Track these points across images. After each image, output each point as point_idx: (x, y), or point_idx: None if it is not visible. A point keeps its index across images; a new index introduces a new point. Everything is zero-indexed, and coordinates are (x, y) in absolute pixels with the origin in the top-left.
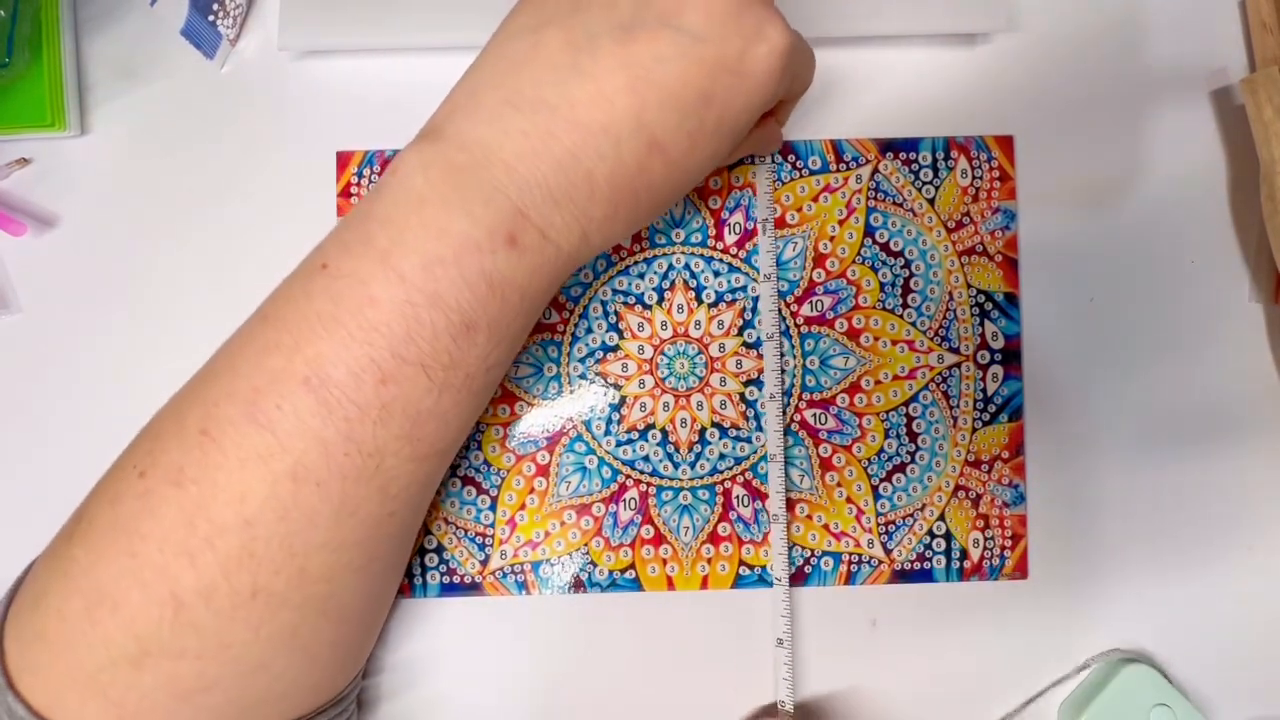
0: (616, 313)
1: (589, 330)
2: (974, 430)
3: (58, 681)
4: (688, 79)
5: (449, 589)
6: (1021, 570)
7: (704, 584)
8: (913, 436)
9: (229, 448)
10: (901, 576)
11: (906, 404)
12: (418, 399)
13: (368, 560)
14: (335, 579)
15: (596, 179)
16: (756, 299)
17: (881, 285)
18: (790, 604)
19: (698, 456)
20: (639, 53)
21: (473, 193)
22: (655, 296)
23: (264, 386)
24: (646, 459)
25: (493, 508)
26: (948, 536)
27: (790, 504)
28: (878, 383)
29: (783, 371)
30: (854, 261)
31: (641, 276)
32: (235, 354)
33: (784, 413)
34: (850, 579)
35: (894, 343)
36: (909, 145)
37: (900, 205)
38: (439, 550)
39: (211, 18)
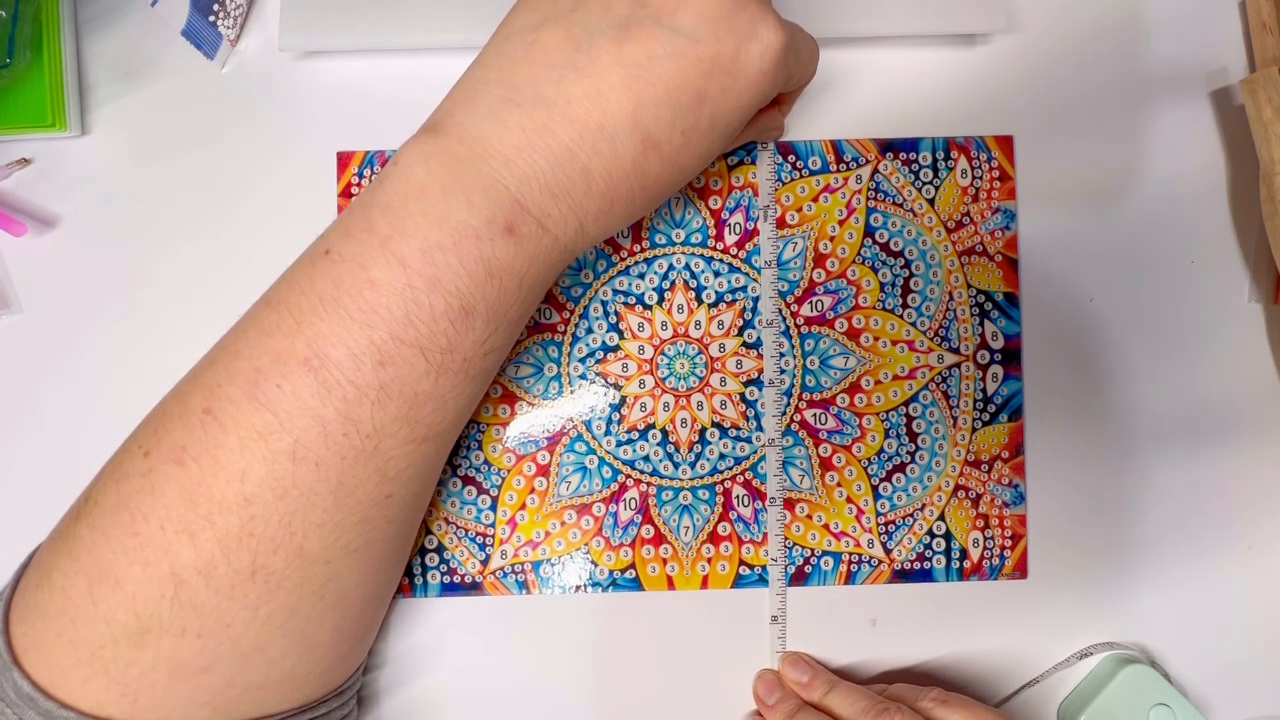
0: (617, 313)
1: (589, 330)
2: (974, 430)
3: (61, 659)
4: (682, 78)
5: (449, 589)
6: (1021, 570)
7: (704, 584)
8: (913, 436)
9: (230, 427)
10: (901, 576)
11: (906, 404)
12: (416, 381)
13: (366, 543)
14: (334, 560)
15: (592, 174)
16: (757, 299)
17: (881, 285)
18: (784, 586)
19: (698, 456)
20: (634, 52)
21: (472, 183)
22: (655, 297)
23: (265, 367)
24: (647, 459)
25: (493, 508)
26: (947, 536)
27: (790, 504)
28: (878, 383)
29: (782, 371)
30: (854, 261)
31: (642, 277)
32: (239, 337)
33: (787, 401)
34: (850, 579)
35: (894, 343)
36: (909, 145)
37: (900, 205)
38: (439, 550)
39: (212, 18)
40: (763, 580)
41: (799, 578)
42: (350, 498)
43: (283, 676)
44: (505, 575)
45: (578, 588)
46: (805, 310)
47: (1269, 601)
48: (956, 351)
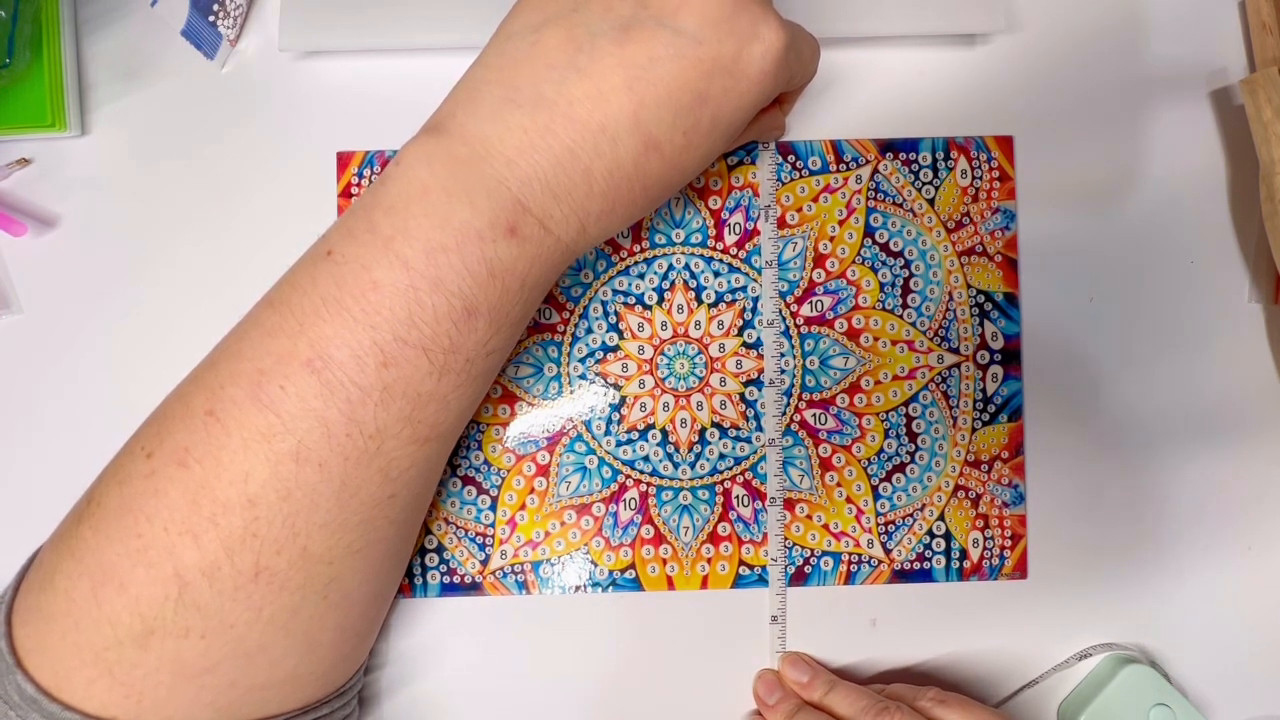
0: (617, 313)
1: (589, 330)
2: (974, 430)
3: (64, 660)
4: (684, 79)
5: (449, 589)
6: (1021, 570)
7: (704, 584)
8: (912, 436)
9: (233, 428)
10: (901, 576)
11: (906, 404)
12: (418, 382)
13: (368, 544)
14: (336, 561)
15: (594, 175)
16: (757, 299)
17: (881, 285)
18: (784, 585)
19: (698, 456)
20: (636, 53)
21: (474, 184)
22: (655, 297)
23: (268, 368)
24: (646, 459)
25: (493, 508)
26: (947, 536)
27: (790, 504)
28: (877, 383)
29: (782, 371)
30: (854, 262)
31: (641, 277)
32: (241, 338)
33: (787, 401)
34: (850, 579)
35: (894, 343)
36: (909, 145)
37: (900, 205)
38: (439, 550)
39: (212, 18)
40: (763, 580)
41: (799, 578)
42: (353, 498)
43: (285, 677)
44: (505, 575)
45: (577, 588)
46: (805, 310)
47: (1269, 601)
48: (956, 352)
